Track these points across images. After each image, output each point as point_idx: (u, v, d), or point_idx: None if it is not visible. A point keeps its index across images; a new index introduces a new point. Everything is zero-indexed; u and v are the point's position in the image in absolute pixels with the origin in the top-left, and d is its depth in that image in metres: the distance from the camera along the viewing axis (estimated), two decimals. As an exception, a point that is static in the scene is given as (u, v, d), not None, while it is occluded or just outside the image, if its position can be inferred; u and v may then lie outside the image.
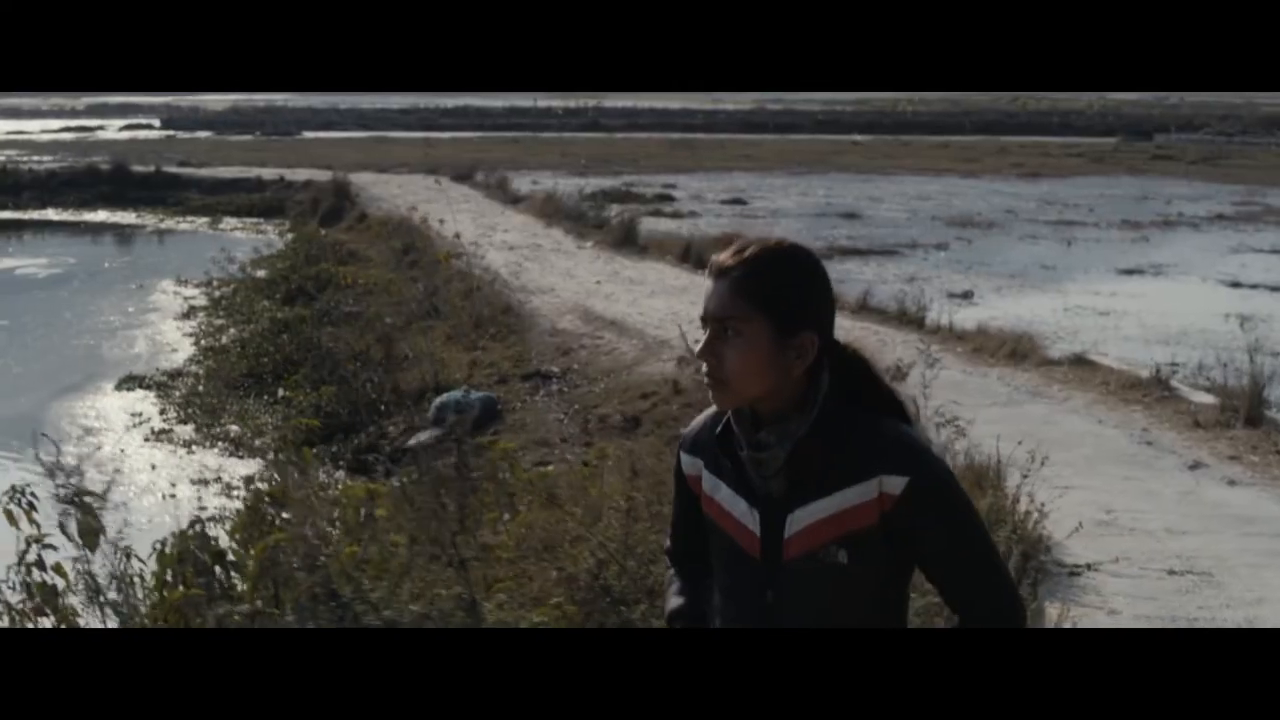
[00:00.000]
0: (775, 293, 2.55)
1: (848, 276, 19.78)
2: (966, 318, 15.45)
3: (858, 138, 58.62)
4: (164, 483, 10.96)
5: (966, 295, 18.79)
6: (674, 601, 2.94)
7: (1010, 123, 69.04)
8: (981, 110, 78.04)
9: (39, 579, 4.90)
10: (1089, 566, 5.80)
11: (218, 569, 5.12)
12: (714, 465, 2.75)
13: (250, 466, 11.28)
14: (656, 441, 9.58)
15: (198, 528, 5.39)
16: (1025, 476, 5.73)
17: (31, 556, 4.92)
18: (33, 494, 5.45)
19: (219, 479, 10.99)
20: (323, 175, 33.20)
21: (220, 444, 12.22)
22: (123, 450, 11.89)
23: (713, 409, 2.76)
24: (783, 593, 2.65)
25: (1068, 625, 4.85)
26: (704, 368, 2.61)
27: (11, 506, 5.23)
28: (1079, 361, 12.12)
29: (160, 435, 12.50)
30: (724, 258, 2.61)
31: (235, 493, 10.31)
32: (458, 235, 19.86)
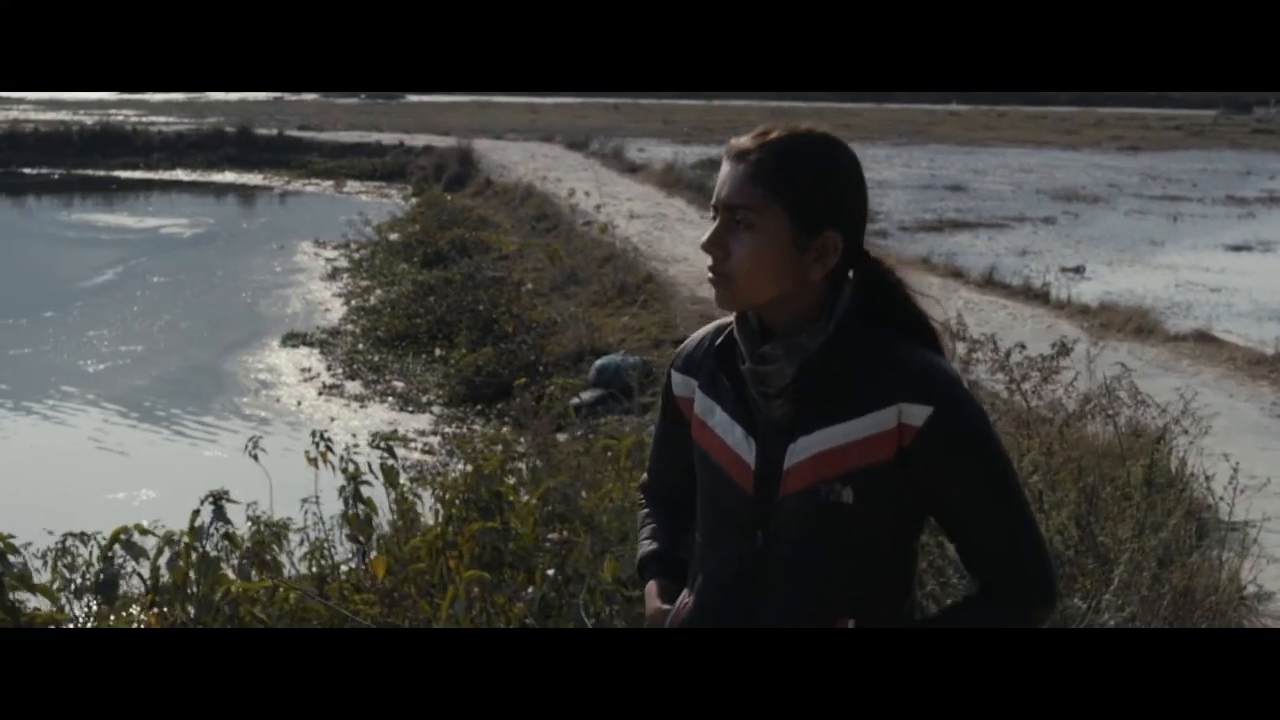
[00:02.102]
0: (797, 182, 2.27)
1: (960, 249, 20.42)
2: (1083, 292, 15.96)
3: (955, 107, 58.80)
4: (345, 434, 11.83)
5: (1078, 270, 19.23)
6: (646, 546, 2.72)
7: (1106, 94, 68.81)
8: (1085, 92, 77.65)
9: (354, 512, 5.76)
10: (1246, 524, 6.49)
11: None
12: (710, 385, 2.49)
13: (421, 421, 12.18)
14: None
15: (469, 468, 6.20)
16: (1193, 440, 6.28)
17: (349, 491, 5.79)
18: (328, 439, 6.35)
19: (395, 431, 11.83)
20: (439, 141, 34.24)
21: (389, 399, 13.04)
22: (299, 403, 12.81)
23: (712, 324, 2.54)
24: (774, 535, 2.37)
25: (1244, 574, 5.44)
26: (709, 262, 2.34)
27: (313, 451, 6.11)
28: (1203, 337, 12.71)
29: (331, 390, 13.35)
30: (743, 139, 2.34)
31: (412, 445, 11.24)
32: (599, 207, 20.60)
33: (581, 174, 27.53)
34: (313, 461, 6.19)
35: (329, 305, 17.47)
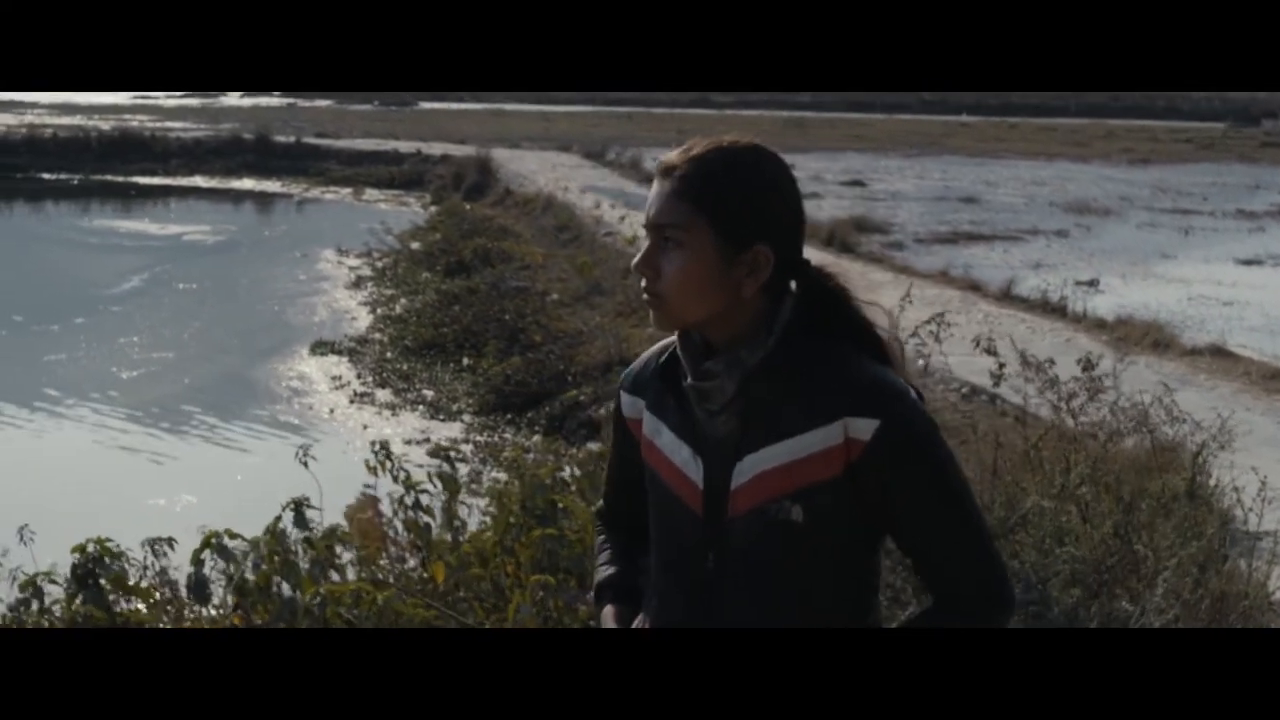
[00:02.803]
0: (722, 196, 2.24)
1: (975, 262, 20.65)
2: (1098, 306, 16.19)
3: (966, 118, 59.08)
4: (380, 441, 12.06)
5: (1092, 283, 19.41)
6: (603, 572, 2.67)
7: (1115, 105, 69.12)
8: (1085, 92, 77.90)
9: (413, 519, 6.01)
10: (1273, 534, 6.74)
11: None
12: (657, 404, 2.44)
13: (453, 429, 12.43)
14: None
15: (513, 479, 6.46)
16: (1222, 448, 6.48)
17: (409, 500, 6.03)
18: (385, 445, 6.61)
19: (427, 439, 12.08)
20: (456, 150, 34.53)
21: (420, 408, 13.28)
22: (331, 411, 13.07)
23: (659, 344, 2.47)
24: (726, 557, 2.33)
25: (1271, 581, 5.67)
26: (641, 282, 2.30)
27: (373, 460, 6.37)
28: (1219, 352, 12.94)
29: (362, 398, 13.59)
30: (671, 155, 2.30)
31: (444, 453, 11.47)
32: (623, 218, 20.83)
33: (600, 184, 27.79)
34: (373, 470, 6.45)
35: (355, 314, 17.72)
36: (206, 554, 4.79)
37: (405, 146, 36.37)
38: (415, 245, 22.19)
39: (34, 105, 59.43)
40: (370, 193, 31.50)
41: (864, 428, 2.19)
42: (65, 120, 46.98)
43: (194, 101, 64.47)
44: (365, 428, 12.53)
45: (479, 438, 12.19)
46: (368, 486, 7.60)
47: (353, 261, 21.64)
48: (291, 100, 66.07)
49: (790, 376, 2.25)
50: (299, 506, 5.08)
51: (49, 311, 17.46)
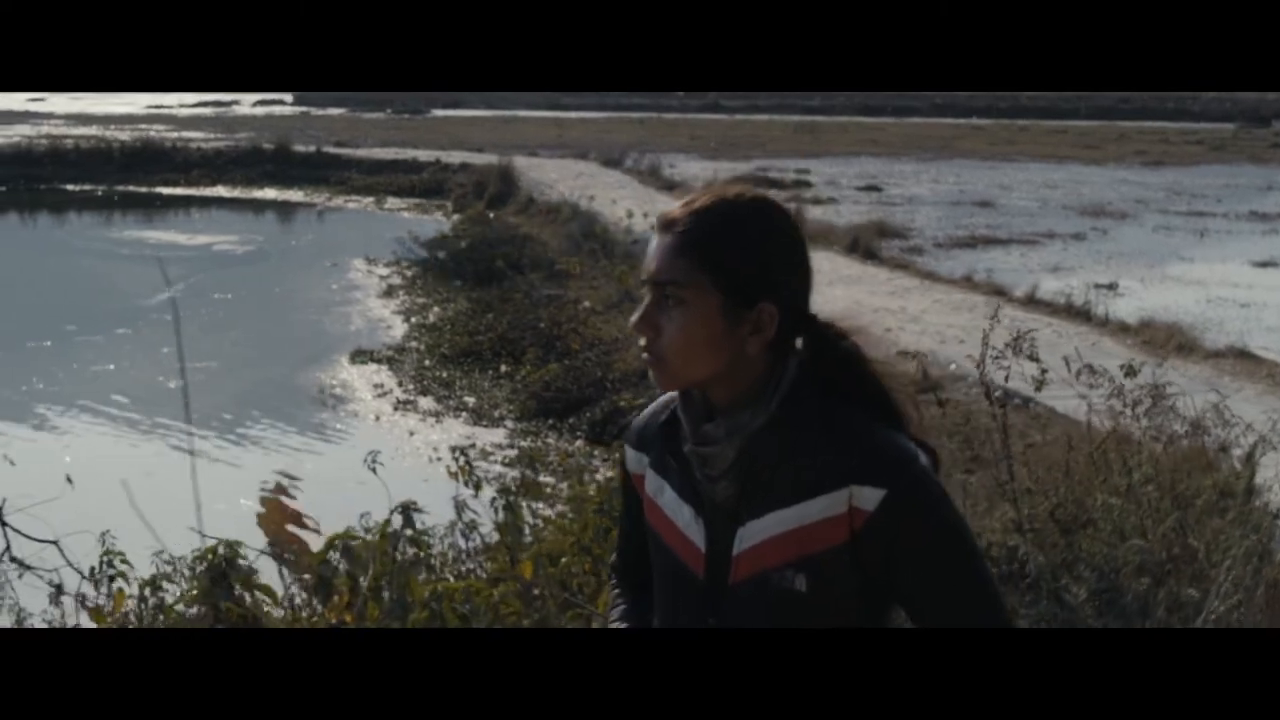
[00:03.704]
0: (725, 253, 2.15)
1: (995, 266, 20.97)
2: (1118, 309, 16.51)
3: (977, 121, 59.34)
4: (427, 447, 12.40)
5: (1111, 287, 19.66)
6: (612, 627, 2.59)
7: (1125, 108, 69.33)
8: (1095, 94, 78.09)
9: (504, 520, 6.34)
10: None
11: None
12: (659, 463, 2.37)
13: (496, 435, 12.77)
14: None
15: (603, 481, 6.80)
16: (1274, 448, 6.75)
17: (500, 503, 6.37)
18: (464, 451, 6.95)
19: (473, 444, 12.40)
20: (474, 158, 34.88)
21: (462, 414, 13.61)
22: (376, 418, 13.41)
23: (664, 397, 2.39)
24: (726, 623, 2.23)
25: None
26: (640, 341, 2.22)
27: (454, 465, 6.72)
28: (1241, 354, 13.28)
29: (405, 405, 13.91)
30: (672, 209, 2.22)
31: (491, 458, 11.83)
32: (652, 226, 21.13)
33: (620, 191, 28.14)
34: (454, 475, 6.79)
35: (389, 322, 18.03)
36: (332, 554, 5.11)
37: (424, 155, 36.65)
38: (442, 254, 22.48)
39: (50, 116, 59.80)
40: (392, 201, 31.80)
41: (869, 497, 2.09)
42: (82, 131, 47.27)
43: (207, 111, 64.83)
44: (411, 434, 12.85)
45: (523, 443, 12.52)
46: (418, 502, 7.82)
47: (382, 270, 21.92)
48: (304, 109, 66.35)
49: (794, 440, 2.16)
50: (406, 509, 5.39)
51: (92, 322, 17.81)
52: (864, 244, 20.60)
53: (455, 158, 35.73)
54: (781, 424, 2.16)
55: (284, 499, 7.11)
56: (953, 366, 12.79)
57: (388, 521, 5.46)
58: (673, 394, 2.31)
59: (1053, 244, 24.54)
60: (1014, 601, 4.81)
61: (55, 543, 4.40)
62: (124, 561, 5.18)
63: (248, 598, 5.08)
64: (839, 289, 17.32)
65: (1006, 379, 5.50)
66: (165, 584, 5.28)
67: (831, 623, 2.16)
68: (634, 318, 2.20)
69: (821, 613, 2.16)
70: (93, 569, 5.02)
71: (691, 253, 2.14)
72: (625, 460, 2.47)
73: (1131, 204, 30.96)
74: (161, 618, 5.14)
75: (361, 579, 5.21)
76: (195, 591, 5.04)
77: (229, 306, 19.31)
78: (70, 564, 4.88)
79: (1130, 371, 7.29)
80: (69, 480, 6.12)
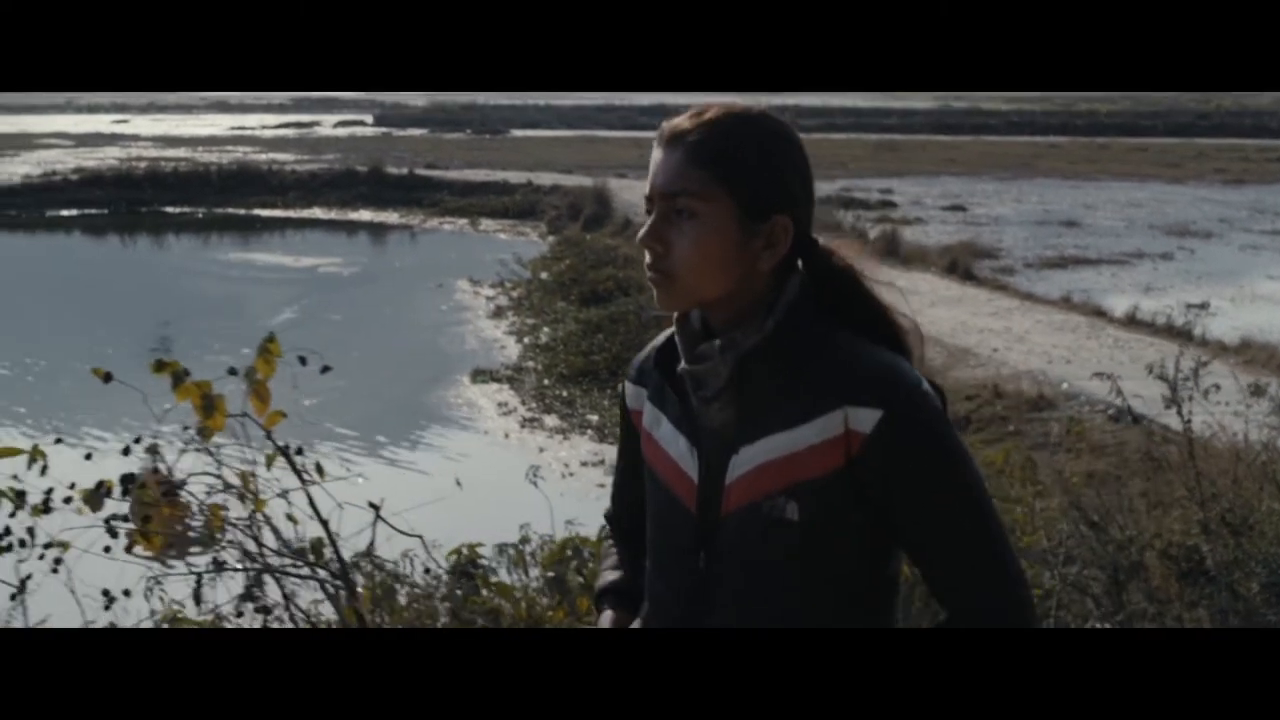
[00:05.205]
0: (743, 163, 2.09)
1: (1087, 286, 21.30)
2: (1213, 329, 16.76)
3: (1055, 139, 59.42)
4: (558, 464, 12.93)
5: (1203, 306, 19.92)
6: (606, 577, 2.54)
7: (1203, 125, 69.04)
8: (1172, 111, 77.88)
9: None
10: None
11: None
12: (657, 394, 2.31)
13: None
14: (987, 438, 11.45)
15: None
16: None
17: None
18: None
19: (601, 460, 12.91)
20: (565, 179, 35.49)
21: (588, 431, 14.12)
22: (506, 435, 13.99)
23: (666, 332, 2.32)
24: (717, 558, 2.16)
25: None
26: (646, 258, 2.15)
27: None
28: (1346, 375, 13.65)
29: (531, 423, 14.43)
30: (678, 120, 2.15)
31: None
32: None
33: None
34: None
35: (503, 342, 18.57)
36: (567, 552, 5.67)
37: (514, 177, 37.22)
38: (544, 275, 23.05)
39: (136, 137, 60.86)
40: (486, 223, 32.38)
41: (865, 419, 2.03)
42: (170, 153, 48.26)
43: (290, 132, 65.88)
44: (541, 450, 13.33)
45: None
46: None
47: (487, 291, 22.48)
48: (385, 129, 67.29)
49: (789, 362, 2.10)
50: (608, 519, 5.94)
51: (216, 343, 18.47)
52: (962, 265, 21.03)
53: (545, 179, 36.29)
54: (777, 344, 2.11)
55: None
56: (1064, 385, 13.24)
57: (604, 527, 6.01)
58: (671, 330, 2.27)
59: (1142, 264, 24.79)
60: (1194, 594, 5.31)
61: (420, 537, 4.92)
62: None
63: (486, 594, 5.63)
64: (941, 310, 17.75)
65: (1190, 397, 5.98)
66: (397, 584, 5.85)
67: (825, 561, 2.09)
68: (641, 233, 2.14)
69: (815, 546, 2.08)
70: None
71: (706, 162, 2.09)
72: (624, 396, 2.43)
73: (1215, 223, 31.10)
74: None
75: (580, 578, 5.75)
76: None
77: (344, 328, 19.92)
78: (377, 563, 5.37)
79: (1258, 390, 7.75)
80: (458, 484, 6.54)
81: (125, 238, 32.44)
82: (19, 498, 3.69)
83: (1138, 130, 64.67)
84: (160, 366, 4.15)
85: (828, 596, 2.11)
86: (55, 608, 4.45)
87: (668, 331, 2.30)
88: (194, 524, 4.28)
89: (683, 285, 2.12)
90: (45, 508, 3.82)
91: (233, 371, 4.35)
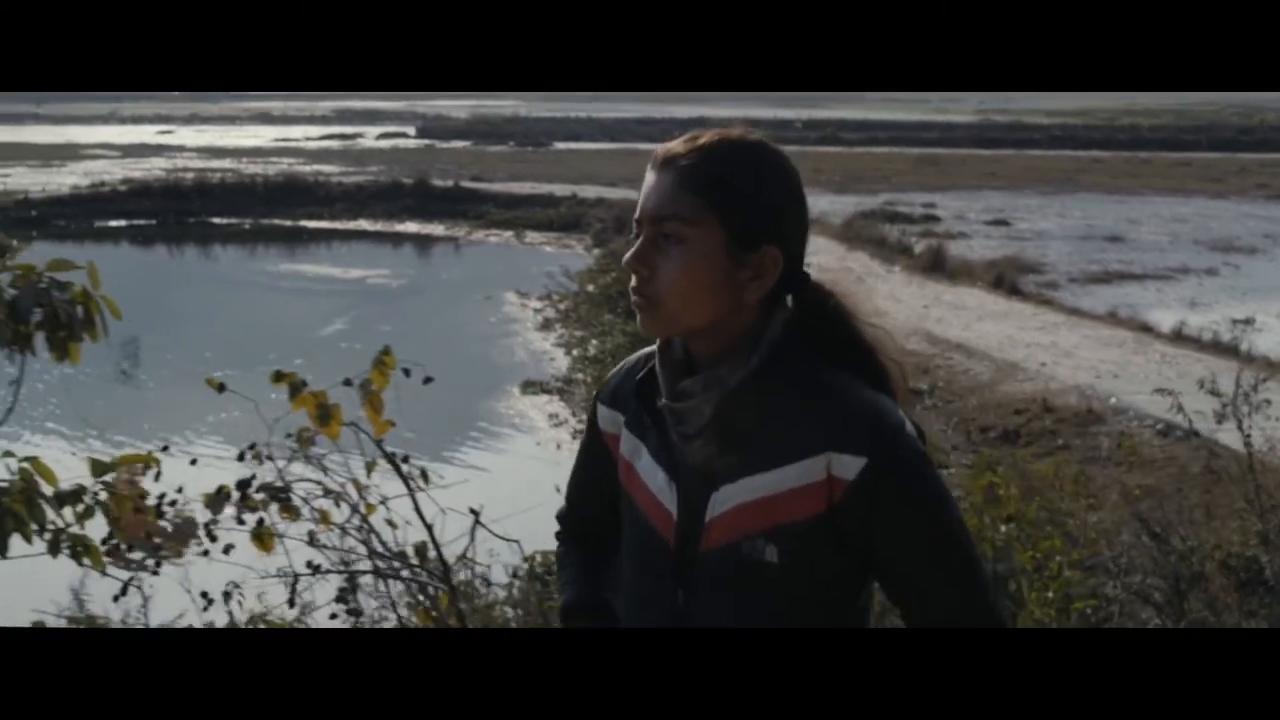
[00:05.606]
0: (736, 191, 2.06)
1: (1132, 301, 21.35)
2: (1260, 345, 16.82)
3: (1097, 154, 59.25)
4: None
5: (1249, 322, 19.97)
6: (569, 591, 2.49)
7: (1246, 140, 68.65)
8: (1214, 125, 77.56)
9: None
10: None
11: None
12: (635, 423, 2.27)
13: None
14: (1037, 451, 11.58)
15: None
16: None
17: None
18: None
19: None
20: (609, 192, 35.67)
21: (637, 442, 14.29)
22: (558, 446, 14.17)
23: (642, 352, 2.31)
24: (694, 596, 2.14)
25: None
26: (632, 282, 2.13)
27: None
28: (1397, 391, 13.72)
29: (581, 435, 14.64)
30: (672, 144, 2.12)
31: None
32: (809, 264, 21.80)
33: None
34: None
35: (552, 354, 18.77)
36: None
37: (559, 190, 37.43)
38: (590, 288, 23.22)
39: (181, 148, 61.33)
40: (531, 235, 32.64)
41: (849, 465, 2.01)
42: (215, 163, 48.69)
43: (334, 144, 66.29)
44: (594, 460, 13.50)
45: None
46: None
47: (535, 304, 22.69)
48: (428, 141, 67.61)
49: (773, 400, 2.07)
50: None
51: (269, 353, 18.68)
52: (1008, 280, 21.13)
53: (590, 192, 36.48)
54: (761, 382, 2.08)
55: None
56: (1113, 400, 13.35)
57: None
58: (650, 349, 2.26)
59: (1187, 279, 24.80)
60: (1253, 604, 5.46)
61: (518, 541, 5.09)
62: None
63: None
64: (989, 324, 17.88)
65: (1249, 412, 6.14)
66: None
67: (803, 599, 2.08)
68: (627, 256, 2.12)
69: (793, 587, 2.07)
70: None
71: (698, 188, 2.06)
72: (597, 418, 2.39)
73: (1260, 239, 31.03)
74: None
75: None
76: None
77: (394, 339, 19.92)
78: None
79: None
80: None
81: (173, 248, 32.81)
82: (132, 502, 3.87)
83: (1180, 145, 64.36)
84: (279, 377, 4.36)
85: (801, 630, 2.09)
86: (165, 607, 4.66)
87: (645, 351, 2.30)
88: (311, 528, 4.48)
89: (667, 311, 2.09)
90: (159, 512, 4.00)
91: (348, 383, 4.50)
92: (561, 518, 2.61)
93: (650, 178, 2.11)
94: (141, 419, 14.94)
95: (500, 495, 6.64)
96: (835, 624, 2.10)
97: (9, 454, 3.60)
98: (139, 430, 14.09)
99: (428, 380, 4.82)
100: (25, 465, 3.57)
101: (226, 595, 4.73)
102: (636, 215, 2.12)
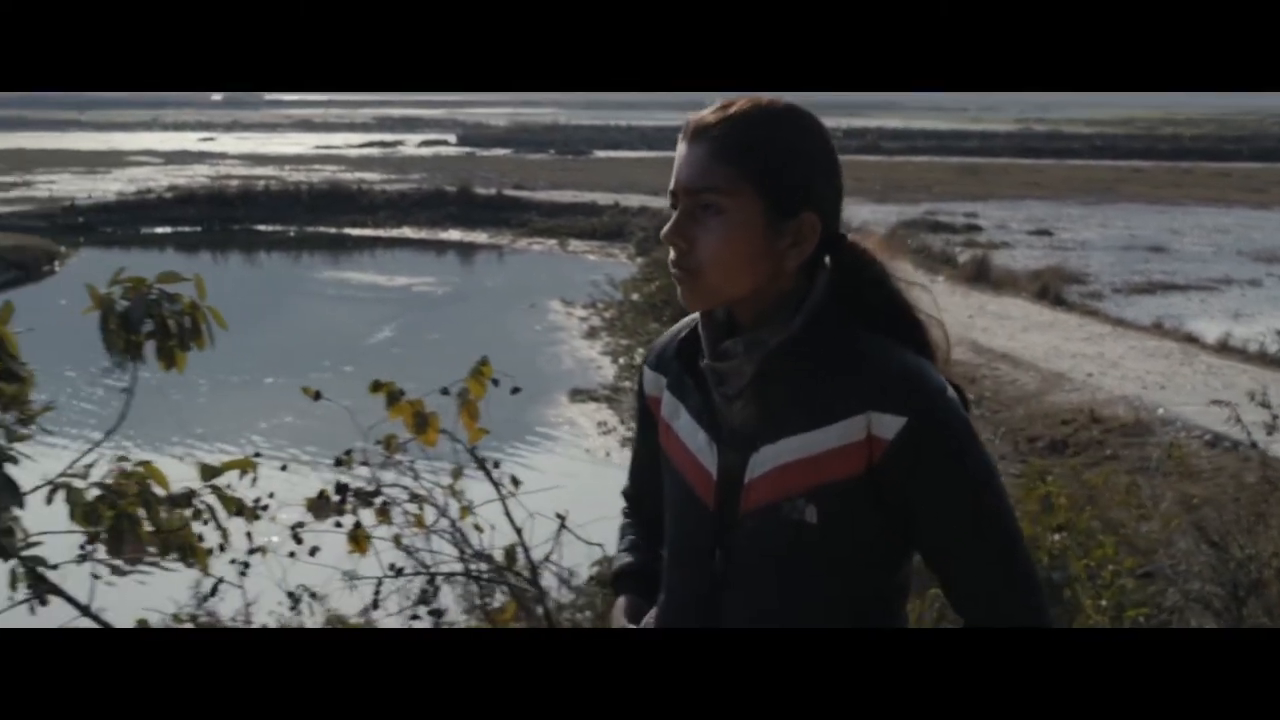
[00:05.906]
0: (770, 157, 2.04)
1: (1177, 312, 21.33)
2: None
3: (1139, 164, 59.04)
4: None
5: (1291, 332, 20.01)
6: (622, 559, 2.54)
7: (1285, 148, 68.32)
8: (1256, 135, 77.18)
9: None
10: None
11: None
12: (677, 384, 2.27)
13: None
14: (1085, 461, 11.65)
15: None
16: None
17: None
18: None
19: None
20: (652, 201, 35.78)
21: (685, 450, 14.41)
22: (607, 454, 14.30)
23: (687, 319, 2.31)
24: (733, 557, 2.13)
25: None
26: (670, 255, 2.10)
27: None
28: None
29: (630, 442, 14.77)
30: (703, 114, 2.09)
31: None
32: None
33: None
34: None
35: (598, 363, 18.91)
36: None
37: (602, 198, 37.58)
38: (635, 296, 23.35)
39: (224, 156, 61.69)
40: (574, 244, 32.80)
41: (888, 425, 2.00)
42: (259, 171, 49.03)
43: (375, 151, 66.65)
44: (643, 467, 13.62)
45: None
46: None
47: (580, 312, 22.87)
48: (469, 149, 67.87)
49: (814, 362, 2.07)
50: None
51: (317, 360, 18.85)
52: (1053, 290, 21.18)
53: (633, 200, 36.62)
54: (802, 344, 2.07)
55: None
56: (1160, 411, 13.42)
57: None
58: (693, 316, 2.24)
59: (1230, 290, 24.78)
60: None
61: (600, 545, 5.23)
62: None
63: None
64: (1035, 335, 17.94)
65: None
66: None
67: (842, 561, 2.07)
68: (665, 229, 2.09)
69: (832, 549, 2.06)
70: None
71: (734, 158, 2.04)
72: (642, 382, 2.40)
73: (1303, 250, 30.99)
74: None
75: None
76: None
77: (442, 346, 20.28)
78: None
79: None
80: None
81: (218, 255, 33.06)
82: (235, 505, 4.03)
83: (1222, 155, 64.12)
84: (377, 387, 4.52)
85: (841, 599, 2.09)
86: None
87: (690, 318, 2.28)
88: (400, 532, 4.63)
89: (708, 283, 2.07)
90: (255, 514, 4.16)
91: (445, 391, 4.67)
92: (627, 494, 2.64)
93: (683, 149, 2.09)
94: (195, 424, 15.13)
95: (561, 501, 6.78)
96: (871, 593, 2.11)
97: (123, 458, 3.77)
98: (191, 434, 14.28)
99: (515, 390, 4.91)
100: (139, 469, 3.73)
101: (313, 595, 4.88)
102: (671, 187, 2.09)
